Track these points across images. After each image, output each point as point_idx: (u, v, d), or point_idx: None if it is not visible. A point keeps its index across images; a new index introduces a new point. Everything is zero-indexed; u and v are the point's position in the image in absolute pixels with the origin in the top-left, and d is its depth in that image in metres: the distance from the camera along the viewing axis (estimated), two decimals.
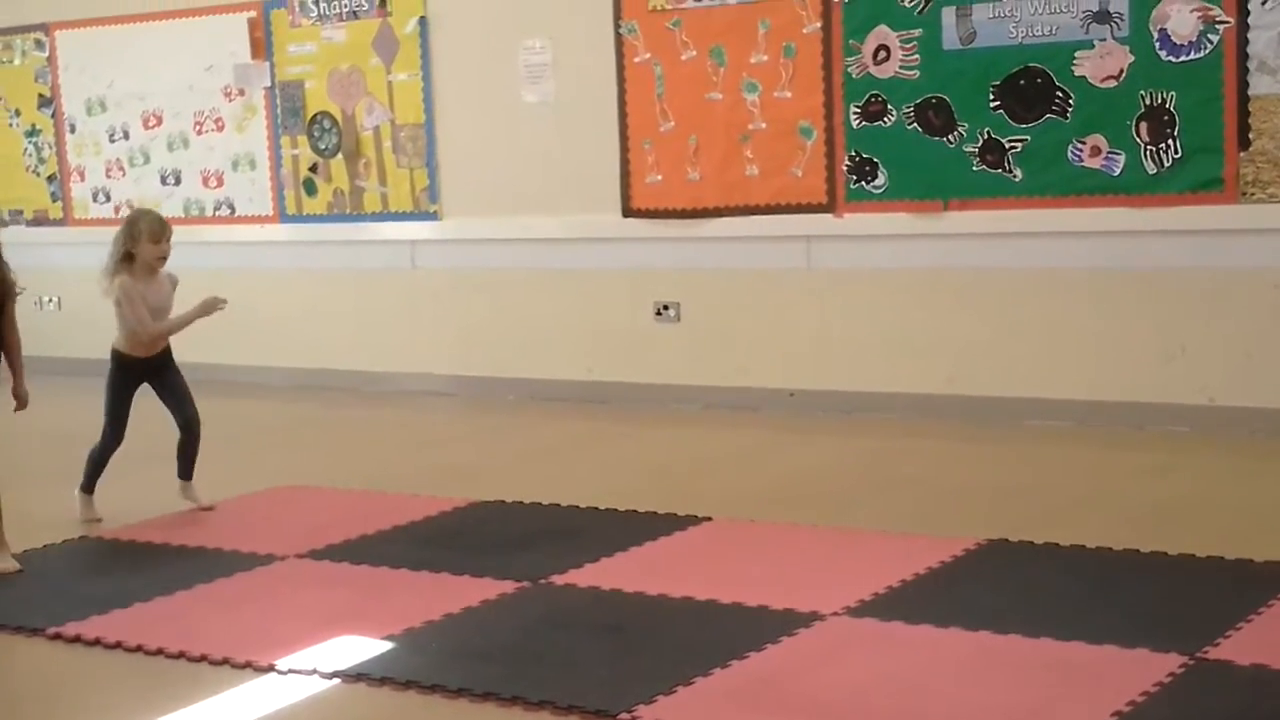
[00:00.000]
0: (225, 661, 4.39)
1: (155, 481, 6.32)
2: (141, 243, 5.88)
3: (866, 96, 7.31)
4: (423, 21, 8.59)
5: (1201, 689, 3.77)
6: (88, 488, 6.13)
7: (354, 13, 8.79)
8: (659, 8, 7.80)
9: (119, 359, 6.04)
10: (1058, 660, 4.03)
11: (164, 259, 5.96)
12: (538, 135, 8.27)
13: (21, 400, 5.56)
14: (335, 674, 4.25)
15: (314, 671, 4.28)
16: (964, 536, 5.19)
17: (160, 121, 9.64)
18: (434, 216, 8.69)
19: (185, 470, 6.18)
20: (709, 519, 5.65)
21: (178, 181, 9.60)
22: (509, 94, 8.34)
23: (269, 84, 9.15)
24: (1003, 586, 4.71)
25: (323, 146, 9.01)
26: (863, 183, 7.37)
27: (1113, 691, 3.74)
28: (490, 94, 8.42)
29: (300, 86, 9.04)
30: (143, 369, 6.05)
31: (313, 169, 9.07)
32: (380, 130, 8.80)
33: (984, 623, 4.32)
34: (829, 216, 7.47)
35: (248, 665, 4.36)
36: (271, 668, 4.33)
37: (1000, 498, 5.81)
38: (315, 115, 9.01)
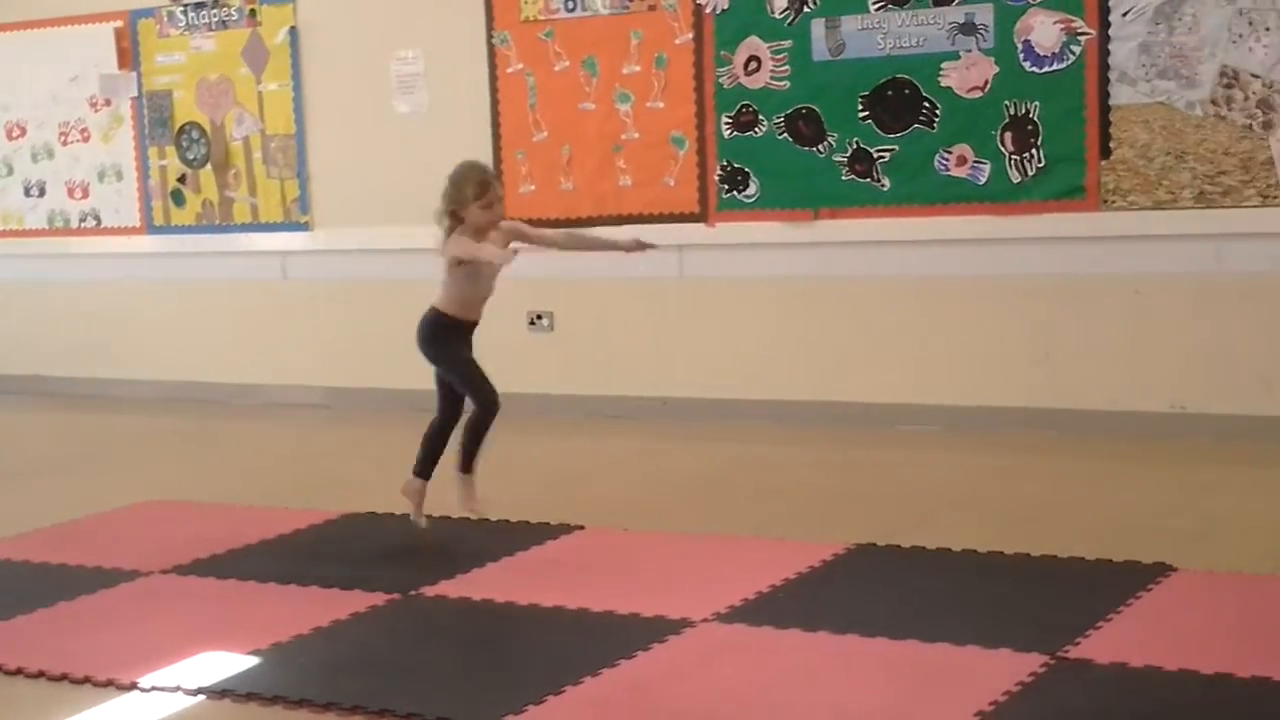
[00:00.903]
0: (86, 680, 4.31)
1: (14, 496, 6.20)
2: (470, 207, 5.40)
3: (738, 107, 7.35)
4: (293, 31, 8.51)
5: (1062, 688, 3.82)
6: (465, 467, 5.58)
7: (223, 22, 8.69)
8: (531, 18, 7.79)
9: (445, 321, 5.61)
10: (923, 661, 4.07)
11: (495, 223, 5.46)
12: (410, 146, 8.22)
13: None
14: (200, 690, 4.19)
15: (177, 689, 4.21)
16: (833, 542, 5.23)
17: (24, 132, 9.46)
18: (305, 227, 8.61)
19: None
20: (581, 528, 5.65)
21: (42, 193, 9.42)
22: (381, 104, 8.29)
23: (136, 94, 9.01)
24: (870, 590, 4.76)
25: (191, 157, 8.89)
26: (734, 192, 7.41)
27: (976, 691, 3.79)
28: (362, 104, 8.36)
29: (168, 96, 8.92)
30: (466, 332, 5.66)
31: (181, 180, 8.95)
32: (250, 140, 8.70)
33: (852, 626, 4.36)
34: (701, 226, 7.50)
35: (110, 683, 4.27)
36: (134, 685, 4.25)
37: (869, 503, 5.87)
38: (183, 125, 8.89)
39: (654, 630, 4.44)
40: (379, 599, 4.90)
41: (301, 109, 8.54)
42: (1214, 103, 6.45)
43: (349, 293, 8.52)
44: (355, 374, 8.52)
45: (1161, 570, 4.72)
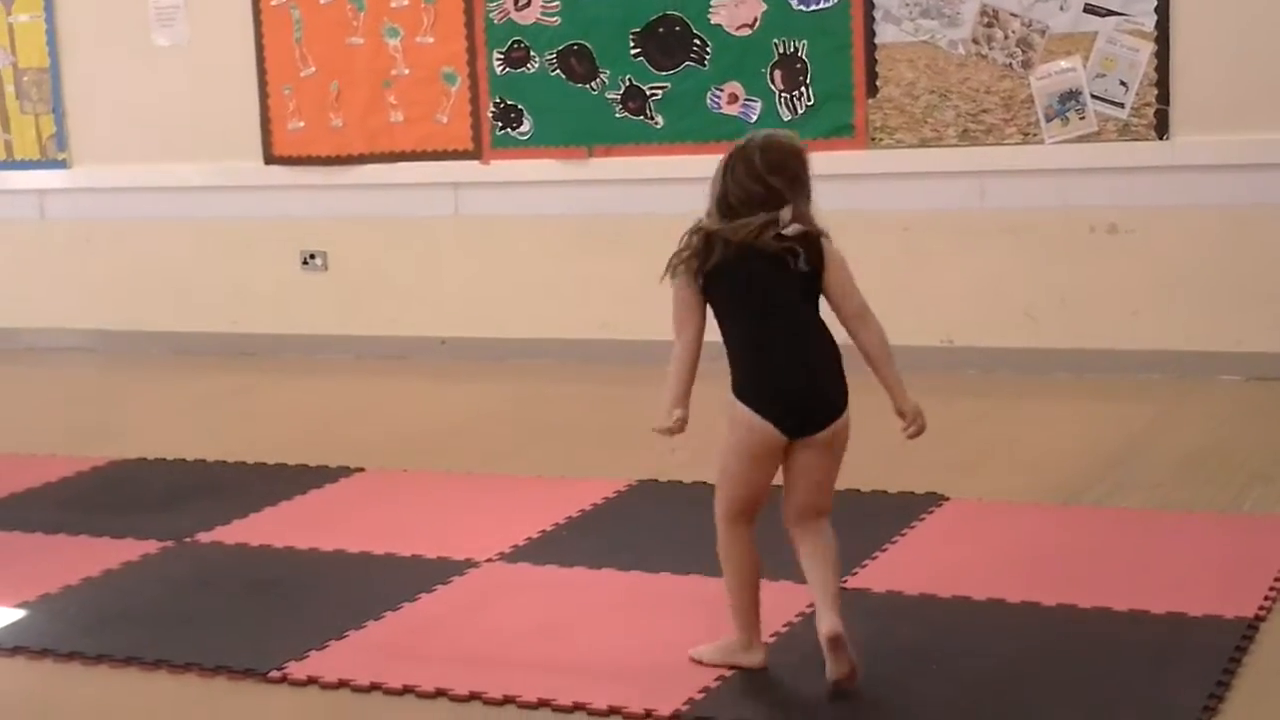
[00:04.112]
0: None
1: None
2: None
3: (509, 43, 7.29)
4: None
5: (841, 617, 3.90)
6: None
7: None
8: None
9: None
10: (706, 596, 4.11)
11: None
12: (172, 80, 7.98)
13: None
14: None
15: None
16: (615, 478, 5.26)
17: None
18: (63, 165, 8.31)
19: None
20: (361, 470, 5.59)
21: None
22: (139, 36, 8.02)
23: None
24: (653, 526, 4.80)
25: None
26: (508, 129, 7.36)
27: (762, 623, 3.85)
28: (119, 36, 8.08)
29: None
30: None
31: None
32: (1, 74, 8.35)
33: (636, 563, 4.40)
34: (476, 163, 7.44)
35: None
36: None
37: (650, 440, 5.86)
38: None
39: (438, 571, 4.42)
40: (151, 547, 4.79)
41: (55, 41, 8.22)
42: (975, 41, 6.61)
43: (113, 232, 8.25)
44: (122, 316, 8.26)
45: (934, 500, 4.86)
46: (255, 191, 7.92)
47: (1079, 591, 4.02)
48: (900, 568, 4.28)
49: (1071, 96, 6.50)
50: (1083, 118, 6.50)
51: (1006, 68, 6.57)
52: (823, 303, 3.69)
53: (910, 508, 4.79)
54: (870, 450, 5.54)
